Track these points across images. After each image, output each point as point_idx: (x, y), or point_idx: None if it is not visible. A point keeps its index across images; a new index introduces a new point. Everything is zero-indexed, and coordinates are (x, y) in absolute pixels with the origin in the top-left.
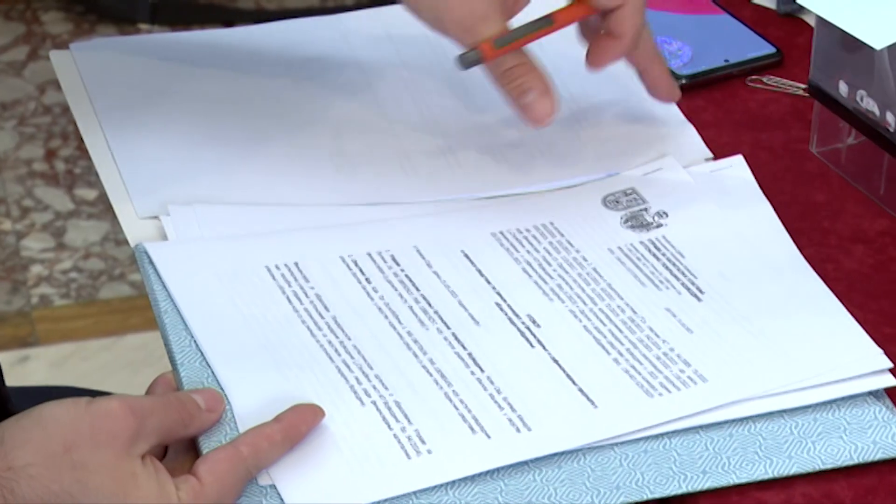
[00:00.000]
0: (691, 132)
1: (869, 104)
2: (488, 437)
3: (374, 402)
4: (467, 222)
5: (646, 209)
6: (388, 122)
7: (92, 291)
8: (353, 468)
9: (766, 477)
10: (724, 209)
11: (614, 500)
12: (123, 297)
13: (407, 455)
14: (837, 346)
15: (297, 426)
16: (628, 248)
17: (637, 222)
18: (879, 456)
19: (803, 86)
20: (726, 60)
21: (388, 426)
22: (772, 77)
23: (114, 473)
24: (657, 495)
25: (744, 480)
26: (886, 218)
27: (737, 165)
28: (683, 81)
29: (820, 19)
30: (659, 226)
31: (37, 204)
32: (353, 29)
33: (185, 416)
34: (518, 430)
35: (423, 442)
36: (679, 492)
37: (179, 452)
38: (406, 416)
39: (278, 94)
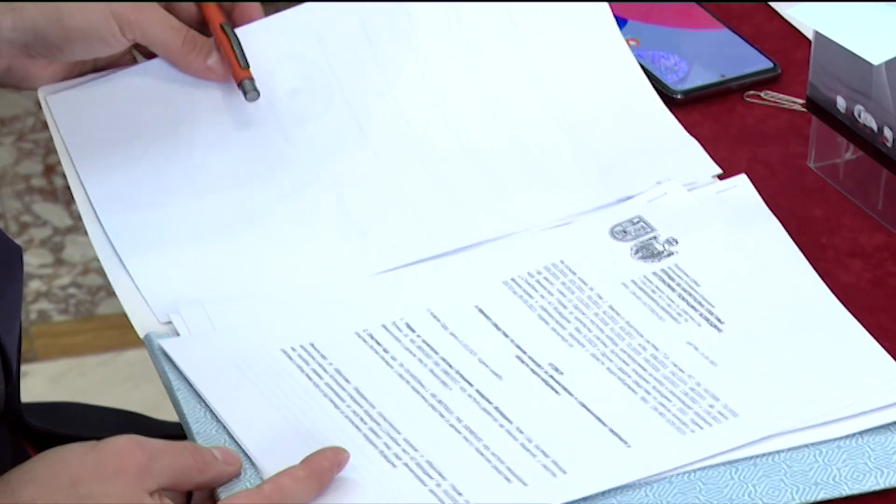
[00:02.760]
0: (693, 147)
1: (867, 119)
2: (525, 484)
3: (405, 465)
4: (477, 273)
5: (655, 237)
6: (384, 170)
7: (90, 307)
8: None
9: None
10: (734, 232)
11: None
12: (122, 313)
13: None
14: (867, 374)
15: (320, 463)
16: (642, 280)
17: (648, 252)
18: None
19: (801, 101)
20: (723, 75)
21: (423, 483)
22: (769, 92)
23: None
24: None
25: None
26: (884, 233)
27: (742, 185)
28: (679, 97)
29: (818, 34)
30: (670, 254)
31: (35, 220)
32: (331, 37)
33: (200, 462)
34: (554, 474)
35: (460, 494)
36: None
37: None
38: (439, 473)
39: (268, 148)
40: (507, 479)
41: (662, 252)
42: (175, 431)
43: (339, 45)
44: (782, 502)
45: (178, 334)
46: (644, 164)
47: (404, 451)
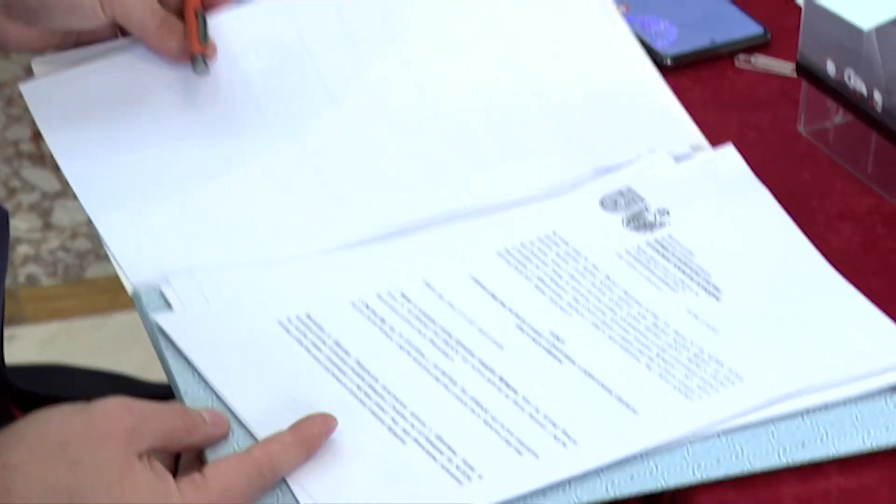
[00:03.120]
0: (682, 116)
1: (857, 84)
2: (536, 456)
3: (415, 440)
4: (470, 245)
5: (646, 208)
6: (361, 141)
7: (79, 271)
8: (407, 500)
9: (779, 465)
10: (724, 202)
11: (627, 489)
12: (111, 277)
13: (458, 481)
14: (866, 336)
15: (309, 429)
16: (636, 250)
17: (640, 223)
18: (893, 442)
19: (791, 65)
20: (713, 41)
21: (434, 458)
22: (759, 57)
23: (110, 467)
24: (671, 485)
25: (758, 469)
26: (874, 196)
27: (729, 155)
28: (669, 62)
29: (808, 0)
30: (662, 225)
31: (24, 184)
32: (308, 23)
33: (189, 424)
34: (564, 445)
35: (472, 469)
36: (693, 481)
37: (190, 470)
38: (450, 447)
39: (243, 122)
40: (519, 452)
41: (654, 223)
42: (163, 393)
43: (315, 26)
44: (770, 463)
45: (166, 297)
46: (633, 133)
47: (412, 425)
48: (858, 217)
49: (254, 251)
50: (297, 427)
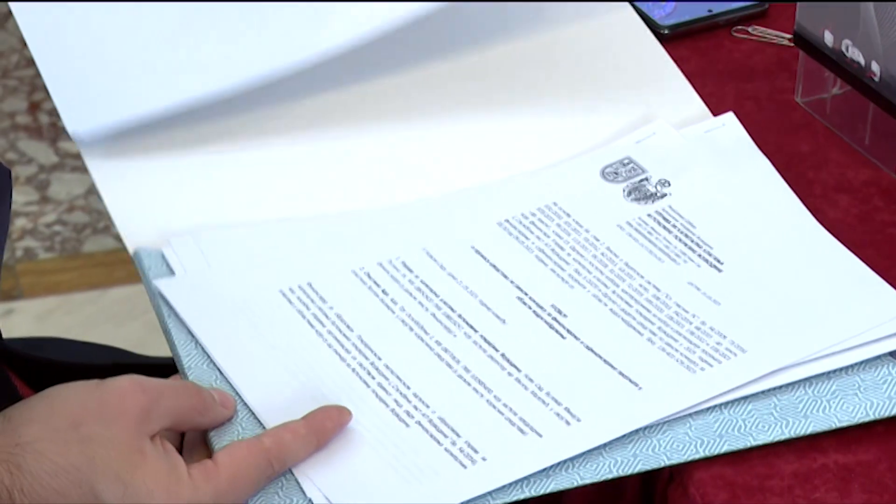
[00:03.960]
0: (682, 84)
1: (854, 54)
2: (540, 435)
3: (419, 423)
4: (470, 214)
5: (647, 178)
6: (367, 108)
7: (76, 245)
8: (413, 485)
9: (782, 438)
10: (724, 172)
11: (631, 468)
12: (108, 251)
13: (462, 465)
14: (869, 304)
15: (323, 422)
16: (637, 222)
17: (641, 194)
18: (895, 412)
19: (788, 36)
20: (710, 10)
21: (438, 442)
22: (757, 27)
23: (122, 448)
24: (674, 462)
25: (760, 443)
26: (871, 168)
27: (729, 124)
28: (666, 32)
29: None
30: (663, 195)
31: (20, 157)
32: None
33: (200, 404)
34: (568, 423)
35: (476, 451)
36: (696, 457)
37: (195, 448)
38: (453, 430)
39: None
40: (522, 432)
41: (655, 194)
42: (158, 367)
43: None
44: (773, 436)
45: (168, 262)
46: (634, 102)
47: (415, 407)
48: (855, 188)
49: (256, 213)
50: (311, 419)
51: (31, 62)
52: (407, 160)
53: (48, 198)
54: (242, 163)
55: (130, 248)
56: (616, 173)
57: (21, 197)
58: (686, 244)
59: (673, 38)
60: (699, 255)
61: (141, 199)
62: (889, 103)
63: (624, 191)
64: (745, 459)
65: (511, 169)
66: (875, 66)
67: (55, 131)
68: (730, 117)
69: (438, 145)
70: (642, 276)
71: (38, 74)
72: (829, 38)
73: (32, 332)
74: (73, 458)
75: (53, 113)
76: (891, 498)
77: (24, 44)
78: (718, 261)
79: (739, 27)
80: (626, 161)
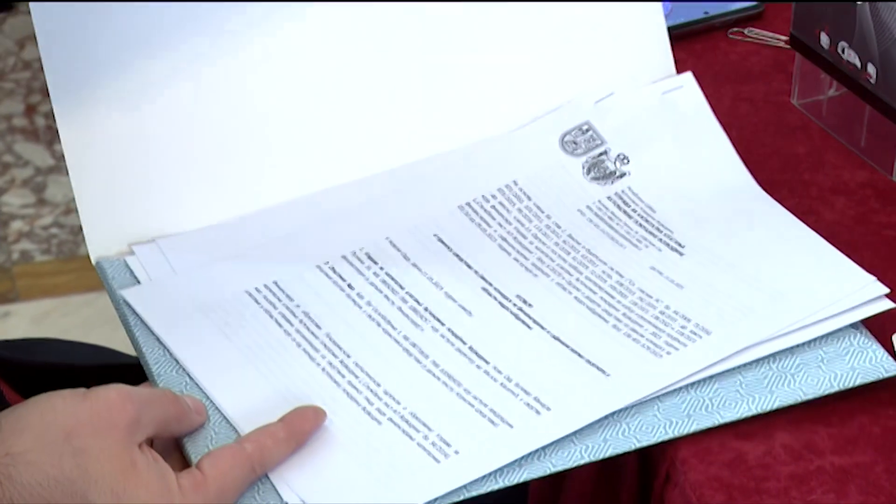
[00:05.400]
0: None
1: (850, 56)
2: (511, 426)
3: (390, 420)
4: (431, 197)
5: (605, 152)
6: (310, 89)
7: (73, 247)
8: (385, 482)
9: (749, 414)
10: (682, 150)
11: (602, 452)
12: None
13: (436, 460)
14: (830, 279)
15: (301, 424)
16: (598, 206)
17: (600, 172)
18: (858, 381)
19: (784, 38)
20: (706, 12)
21: (410, 437)
22: (753, 29)
23: (114, 460)
24: (644, 444)
25: (728, 420)
26: (867, 170)
27: (688, 85)
28: None
29: None
30: (622, 175)
31: (17, 160)
32: None
33: (179, 412)
34: (538, 412)
35: (449, 444)
36: (665, 438)
37: (169, 455)
38: (425, 424)
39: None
40: (493, 423)
41: (615, 172)
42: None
43: None
44: (741, 413)
45: (132, 271)
46: (602, 61)
47: (386, 405)
48: (852, 190)
49: (214, 213)
50: (288, 421)
51: (27, 65)
52: (367, 131)
53: (45, 200)
54: (197, 161)
55: (93, 258)
56: (575, 143)
57: (17, 199)
58: (647, 229)
59: (669, 41)
60: (660, 240)
61: (106, 207)
62: (885, 105)
63: (583, 167)
64: (742, 461)
65: (473, 136)
66: (871, 68)
67: (51, 134)
68: (688, 77)
69: (390, 113)
70: (605, 263)
71: (34, 77)
72: (825, 40)
73: (29, 335)
74: (66, 470)
75: (49, 116)
76: (887, 500)
77: (21, 46)
78: (679, 244)
79: (735, 29)
80: (585, 128)
